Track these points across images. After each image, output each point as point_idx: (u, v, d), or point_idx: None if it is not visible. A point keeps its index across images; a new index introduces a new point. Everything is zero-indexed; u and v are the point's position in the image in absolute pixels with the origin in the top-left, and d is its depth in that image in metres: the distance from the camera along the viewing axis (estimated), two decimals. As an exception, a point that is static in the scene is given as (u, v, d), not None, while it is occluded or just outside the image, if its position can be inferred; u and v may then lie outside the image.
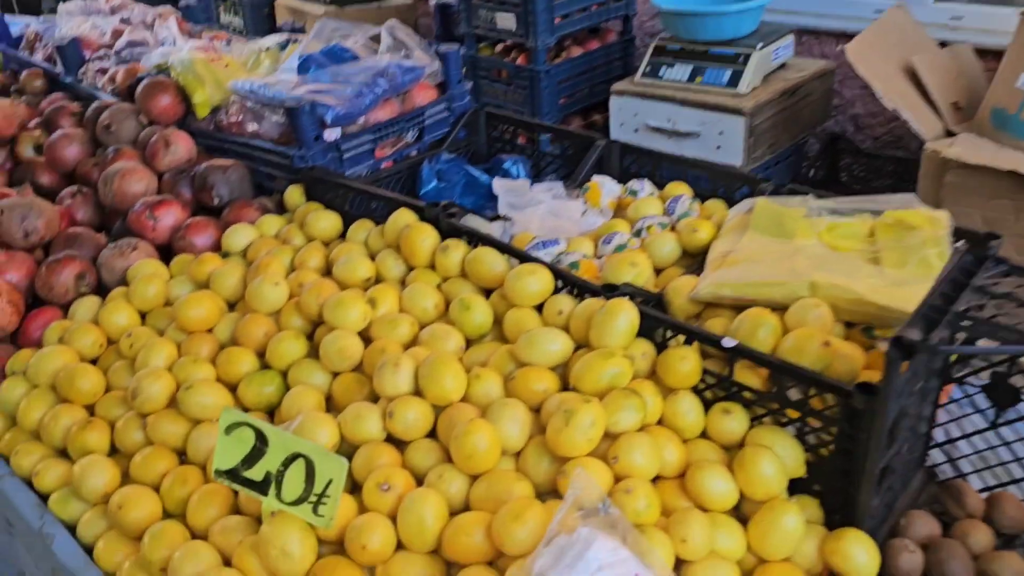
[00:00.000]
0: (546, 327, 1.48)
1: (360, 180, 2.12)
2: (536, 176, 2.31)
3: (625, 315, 1.39)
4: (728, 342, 1.33)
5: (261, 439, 1.22)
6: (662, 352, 1.40)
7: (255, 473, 1.22)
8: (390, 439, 1.38)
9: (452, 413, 1.35)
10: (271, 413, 1.55)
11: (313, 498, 1.19)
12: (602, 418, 1.26)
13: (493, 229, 1.82)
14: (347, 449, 1.39)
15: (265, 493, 1.22)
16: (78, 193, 2.21)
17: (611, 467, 1.25)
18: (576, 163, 2.21)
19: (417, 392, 1.40)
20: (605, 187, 1.96)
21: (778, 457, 1.25)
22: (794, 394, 1.29)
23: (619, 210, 1.97)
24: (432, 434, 1.38)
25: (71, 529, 1.45)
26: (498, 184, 1.96)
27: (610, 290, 1.50)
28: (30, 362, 1.67)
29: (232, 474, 1.24)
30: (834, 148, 3.60)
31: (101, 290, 1.91)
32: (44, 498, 1.52)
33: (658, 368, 1.39)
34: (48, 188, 2.31)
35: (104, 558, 1.37)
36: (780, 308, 1.44)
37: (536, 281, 1.53)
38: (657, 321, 1.43)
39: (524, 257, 1.63)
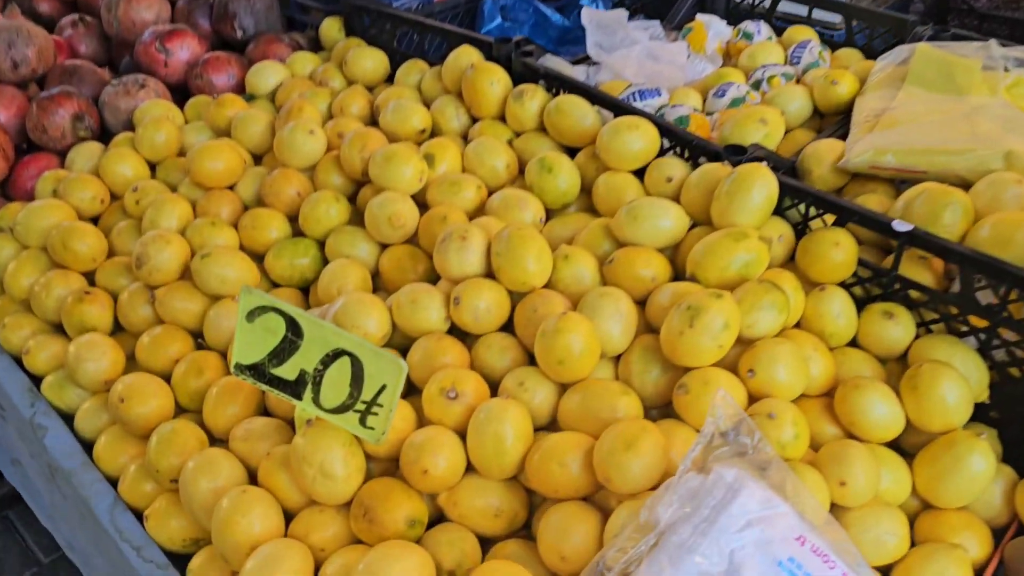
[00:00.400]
0: (652, 197, 1.18)
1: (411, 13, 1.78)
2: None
3: (762, 185, 1.08)
4: (901, 225, 1.03)
5: (294, 329, 0.94)
6: (803, 236, 1.09)
7: (286, 371, 0.95)
8: (454, 331, 1.11)
9: (535, 303, 1.07)
10: (305, 291, 1.29)
11: (360, 406, 0.93)
12: (736, 318, 0.97)
13: (576, 74, 1.48)
14: (400, 341, 1.14)
15: (299, 397, 0.95)
16: (80, 22, 1.98)
17: (745, 383, 0.97)
18: (669, 4, 1.85)
19: (489, 274, 1.12)
20: (712, 28, 1.61)
21: (963, 378, 0.96)
22: (985, 296, 1.00)
23: (728, 57, 1.63)
24: (507, 327, 1.11)
25: (68, 420, 1.22)
26: (587, 15, 1.61)
27: (735, 153, 1.18)
28: (18, 217, 1.44)
29: (256, 371, 0.97)
30: (942, 7, 3.16)
31: (104, 135, 1.70)
32: (37, 381, 1.29)
33: (799, 256, 1.10)
34: (47, 17, 2.09)
35: (105, 459, 1.16)
36: (958, 183, 1.12)
37: (639, 138, 1.23)
38: (799, 194, 1.12)
39: (620, 108, 1.31)
